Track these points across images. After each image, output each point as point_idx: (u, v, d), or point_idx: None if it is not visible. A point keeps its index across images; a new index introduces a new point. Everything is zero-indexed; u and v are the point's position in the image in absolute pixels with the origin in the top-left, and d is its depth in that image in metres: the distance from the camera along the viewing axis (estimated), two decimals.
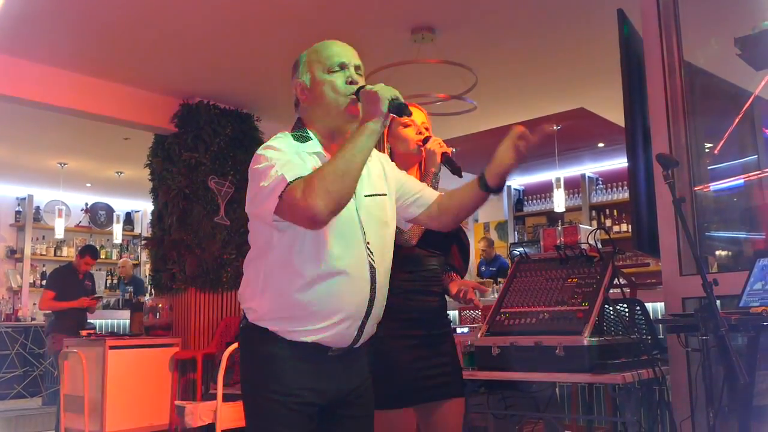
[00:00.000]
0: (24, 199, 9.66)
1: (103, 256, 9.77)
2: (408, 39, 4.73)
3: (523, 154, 1.84)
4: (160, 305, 5.79)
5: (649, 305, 3.28)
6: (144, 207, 10.54)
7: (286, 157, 1.65)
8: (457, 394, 2.29)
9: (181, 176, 5.91)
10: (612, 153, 8.34)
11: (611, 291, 2.55)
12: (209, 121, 6.00)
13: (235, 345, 2.96)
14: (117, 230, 9.68)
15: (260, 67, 5.32)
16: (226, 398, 4.03)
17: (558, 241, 2.73)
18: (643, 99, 2.98)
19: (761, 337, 2.19)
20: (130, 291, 8.49)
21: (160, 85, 5.80)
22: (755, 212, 3.43)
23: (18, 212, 9.66)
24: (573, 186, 9.01)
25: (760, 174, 3.36)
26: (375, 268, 1.74)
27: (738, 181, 3.35)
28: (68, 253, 9.80)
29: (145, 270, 9.98)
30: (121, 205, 10.71)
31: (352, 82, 1.75)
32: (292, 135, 1.77)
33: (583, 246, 2.65)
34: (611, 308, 2.52)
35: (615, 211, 8.62)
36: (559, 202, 7.74)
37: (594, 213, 8.86)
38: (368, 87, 1.69)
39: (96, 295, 6.77)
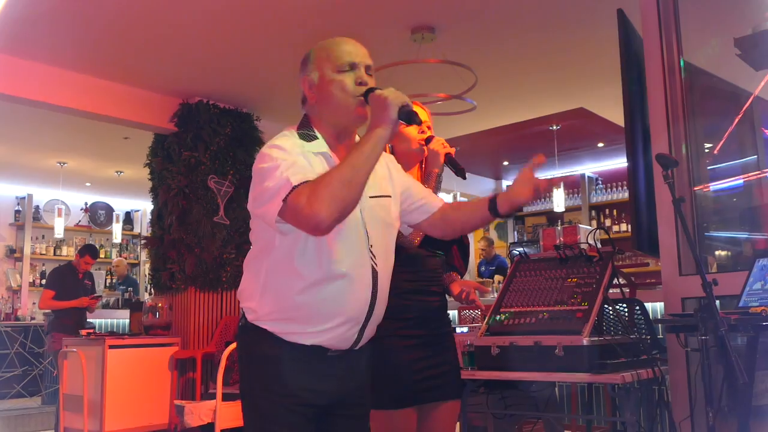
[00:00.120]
0: (23, 198, 9.66)
1: (102, 256, 9.76)
2: (408, 39, 4.73)
3: (540, 194, 1.84)
4: (159, 305, 5.79)
5: (648, 305, 3.28)
6: (143, 206, 10.54)
7: (291, 158, 1.61)
8: (455, 396, 2.29)
9: (180, 176, 5.91)
10: (612, 153, 8.34)
11: (611, 291, 2.55)
12: (209, 120, 6.00)
13: (235, 344, 2.97)
14: (116, 230, 9.68)
15: (260, 66, 5.32)
16: (226, 398, 4.04)
17: (557, 241, 2.73)
18: (643, 99, 2.98)
19: (760, 337, 2.19)
20: (129, 290, 8.49)
21: (160, 85, 5.80)
22: (755, 212, 3.43)
23: (17, 211, 9.66)
24: (573, 186, 9.02)
25: (759, 174, 3.36)
26: (377, 272, 1.72)
27: (738, 181, 3.36)
28: (68, 252, 9.80)
29: (145, 269, 9.97)
30: (120, 204, 10.71)
31: (361, 83, 1.71)
32: (298, 133, 1.73)
33: (583, 246, 2.65)
34: (611, 308, 2.52)
35: (614, 211, 8.63)
36: (558, 202, 7.74)
37: (593, 213, 8.87)
38: (378, 91, 1.65)
39: (96, 295, 6.77)
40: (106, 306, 8.23)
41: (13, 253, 9.54)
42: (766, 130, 3.39)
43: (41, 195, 9.79)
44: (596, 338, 2.34)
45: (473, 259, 8.65)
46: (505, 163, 9.03)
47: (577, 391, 4.26)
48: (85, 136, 7.14)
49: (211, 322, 5.97)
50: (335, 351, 1.72)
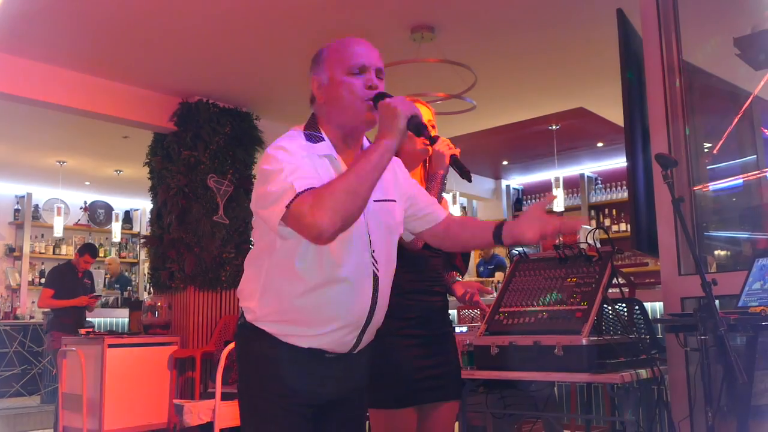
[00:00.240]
0: (23, 197, 9.66)
1: (102, 255, 9.76)
2: (407, 38, 4.73)
3: (546, 239, 1.77)
4: (158, 304, 5.79)
5: (647, 305, 3.29)
6: (143, 205, 10.54)
7: (296, 162, 1.58)
8: (455, 396, 2.29)
9: (180, 175, 5.91)
10: (611, 152, 8.34)
11: (610, 290, 2.55)
12: (208, 119, 6.00)
13: (234, 344, 2.97)
14: (116, 229, 9.68)
15: (259, 65, 5.32)
16: (225, 397, 4.03)
17: (557, 241, 2.73)
18: (643, 98, 2.98)
19: (760, 337, 2.19)
20: (129, 289, 8.49)
21: (160, 84, 5.79)
22: (754, 212, 3.43)
23: (17, 210, 9.66)
24: (572, 185, 9.02)
25: (758, 174, 3.36)
26: (378, 278, 1.70)
27: (737, 180, 3.36)
28: (67, 251, 9.80)
29: (144, 269, 9.97)
30: (120, 203, 10.70)
31: (371, 87, 1.67)
32: (304, 134, 1.70)
33: (582, 245, 2.65)
34: (610, 308, 2.52)
35: (614, 211, 8.63)
36: (558, 201, 7.74)
37: (593, 212, 8.86)
38: (387, 100, 1.62)
39: (95, 294, 6.78)
40: (105, 305, 8.23)
41: (13, 252, 9.54)
42: (765, 130, 3.39)
43: (40, 194, 9.79)
44: (595, 338, 2.34)
45: (472, 259, 8.65)
46: (505, 162, 9.02)
47: (576, 391, 4.26)
48: (85, 135, 7.14)
49: (211, 322, 5.97)
50: (333, 353, 1.71)
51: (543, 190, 9.40)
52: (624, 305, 2.64)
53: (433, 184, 2.28)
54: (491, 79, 5.43)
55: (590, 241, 2.66)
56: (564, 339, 2.32)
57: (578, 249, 2.63)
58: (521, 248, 2.77)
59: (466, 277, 2.56)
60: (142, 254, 10.31)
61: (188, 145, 5.93)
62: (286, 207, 1.52)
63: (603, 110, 6.61)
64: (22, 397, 8.10)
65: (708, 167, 3.21)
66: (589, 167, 9.01)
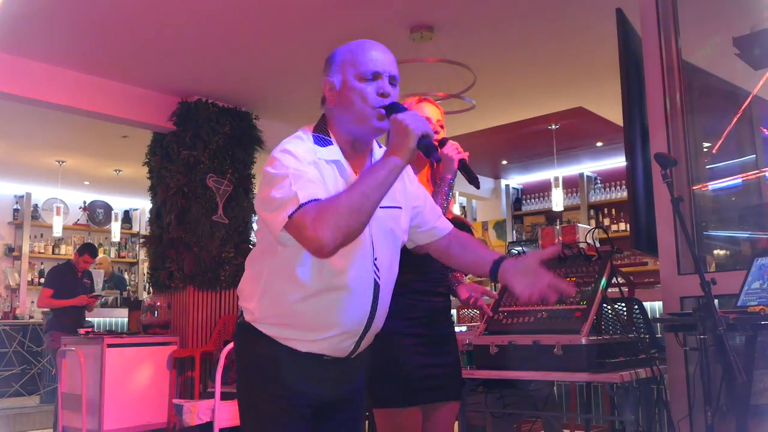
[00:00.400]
0: (22, 196, 9.65)
1: (101, 255, 9.76)
2: (407, 37, 4.73)
3: (538, 299, 1.68)
4: (158, 303, 5.79)
5: (647, 304, 3.29)
6: (142, 205, 10.54)
7: (302, 169, 1.55)
8: (456, 397, 2.29)
9: (179, 174, 5.91)
10: (610, 152, 8.34)
11: (609, 290, 2.55)
12: (208, 119, 6.00)
13: (233, 343, 2.97)
14: (115, 228, 9.68)
15: (259, 65, 5.32)
16: (224, 396, 4.03)
17: (556, 240, 2.73)
18: (642, 98, 2.98)
19: (759, 336, 2.20)
20: (128, 289, 8.49)
21: (159, 83, 5.79)
22: (753, 211, 3.43)
23: (16, 210, 9.65)
24: (571, 185, 9.02)
25: (758, 173, 3.37)
26: (379, 285, 1.69)
27: (736, 180, 3.36)
28: (66, 251, 9.79)
29: (144, 268, 9.97)
30: (119, 203, 10.70)
31: (383, 95, 1.63)
32: (312, 136, 1.67)
33: (582, 245, 2.65)
34: (609, 307, 2.52)
35: (613, 211, 8.63)
36: (557, 201, 7.75)
37: (592, 212, 8.86)
38: (400, 116, 1.57)
39: (94, 293, 6.77)
40: (104, 305, 8.23)
41: (12, 252, 9.54)
42: (764, 130, 3.40)
43: (40, 193, 9.78)
44: (595, 337, 2.34)
45: None
46: (504, 162, 9.03)
47: (575, 390, 4.26)
48: (84, 135, 7.14)
49: (210, 321, 5.97)
50: (331, 357, 1.70)
51: (542, 189, 9.40)
52: (623, 305, 2.64)
53: (440, 189, 2.25)
54: (490, 79, 5.43)
55: (590, 241, 2.66)
56: (563, 338, 2.32)
57: (578, 248, 2.63)
58: (521, 248, 2.77)
59: (466, 279, 2.55)
60: (142, 254, 10.30)
61: (187, 145, 5.93)
62: (289, 217, 1.50)
63: (602, 110, 6.61)
64: (22, 397, 8.10)
65: (707, 167, 3.21)
66: (588, 167, 9.01)
